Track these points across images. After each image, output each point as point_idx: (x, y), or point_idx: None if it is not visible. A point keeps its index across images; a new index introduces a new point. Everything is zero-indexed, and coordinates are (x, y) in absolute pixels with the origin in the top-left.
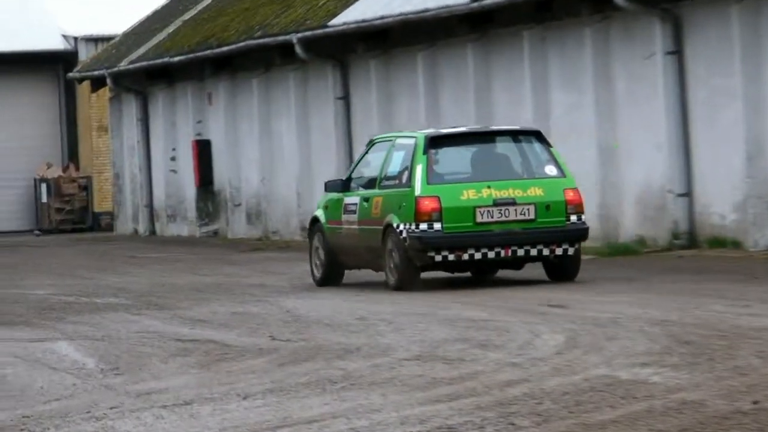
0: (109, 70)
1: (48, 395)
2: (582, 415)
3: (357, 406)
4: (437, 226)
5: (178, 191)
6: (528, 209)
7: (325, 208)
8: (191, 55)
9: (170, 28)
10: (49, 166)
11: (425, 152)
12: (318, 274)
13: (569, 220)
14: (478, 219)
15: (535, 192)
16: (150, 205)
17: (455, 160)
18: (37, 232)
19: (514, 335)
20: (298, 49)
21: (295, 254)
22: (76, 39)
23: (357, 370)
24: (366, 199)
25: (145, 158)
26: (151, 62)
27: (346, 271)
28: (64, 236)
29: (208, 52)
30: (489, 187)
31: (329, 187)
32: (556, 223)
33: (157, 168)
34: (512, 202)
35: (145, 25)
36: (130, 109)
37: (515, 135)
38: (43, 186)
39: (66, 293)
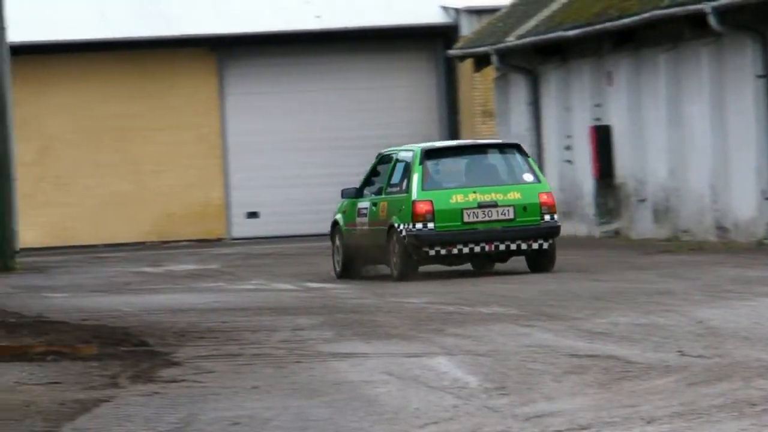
0: (495, 47)
1: (425, 418)
2: None
3: None
4: (431, 225)
5: (573, 185)
6: (508, 210)
7: (344, 212)
8: (588, 29)
9: None
10: None
11: (421, 163)
12: (338, 268)
13: (543, 219)
14: (465, 219)
15: (514, 196)
16: None
17: (447, 169)
18: None
19: None
20: (711, 20)
21: (710, 257)
22: (457, 11)
23: None
24: (375, 204)
25: (536, 147)
26: (542, 37)
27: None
28: None
29: (607, 24)
30: (474, 192)
31: (345, 194)
32: (532, 221)
33: (550, 158)
34: (494, 205)
35: None
36: (519, 90)
37: (498, 147)
38: None
39: (446, 302)
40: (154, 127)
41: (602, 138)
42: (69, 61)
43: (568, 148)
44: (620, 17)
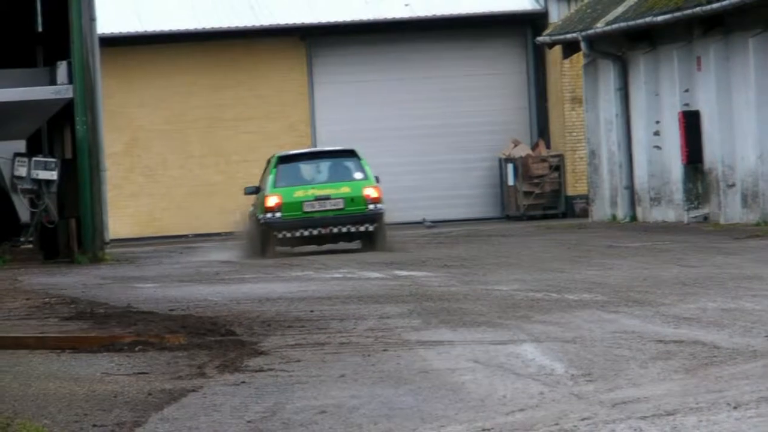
0: (583, 33)
1: (511, 405)
2: None
3: None
4: (278, 214)
5: (662, 170)
6: (338, 202)
7: (252, 206)
8: (677, 14)
9: None
10: (515, 144)
11: (276, 166)
12: (249, 251)
13: (368, 208)
14: (305, 209)
15: (345, 190)
16: (630, 187)
17: (295, 171)
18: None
19: None
20: None
21: None
22: None
23: None
24: (258, 199)
25: (624, 133)
26: (631, 23)
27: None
28: (532, 224)
29: (697, 9)
30: (313, 188)
31: (247, 191)
32: (359, 210)
33: (638, 144)
34: (328, 198)
35: None
36: (607, 77)
37: (337, 153)
38: (510, 167)
39: (533, 289)
40: (242, 117)
41: (691, 123)
42: (158, 52)
43: (656, 133)
44: (710, 2)
